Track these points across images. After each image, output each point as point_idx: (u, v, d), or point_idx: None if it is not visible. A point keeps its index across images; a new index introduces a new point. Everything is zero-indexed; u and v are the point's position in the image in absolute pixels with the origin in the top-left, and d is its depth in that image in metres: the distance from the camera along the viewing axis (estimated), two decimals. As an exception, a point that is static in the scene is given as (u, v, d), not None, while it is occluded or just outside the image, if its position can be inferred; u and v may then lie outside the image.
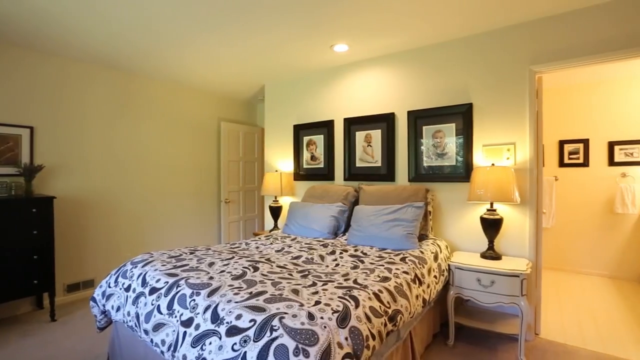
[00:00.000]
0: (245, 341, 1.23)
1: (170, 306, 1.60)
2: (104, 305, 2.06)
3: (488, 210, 2.50)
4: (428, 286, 2.14)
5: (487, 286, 2.30)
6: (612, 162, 4.00)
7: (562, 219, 4.30)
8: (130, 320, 1.79)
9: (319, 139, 3.68)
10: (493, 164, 2.52)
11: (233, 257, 2.16)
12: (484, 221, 2.50)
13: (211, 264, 2.00)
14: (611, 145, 4.00)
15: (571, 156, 4.25)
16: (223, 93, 4.63)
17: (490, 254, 2.47)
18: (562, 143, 4.30)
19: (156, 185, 3.99)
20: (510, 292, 2.22)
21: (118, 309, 1.92)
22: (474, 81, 2.76)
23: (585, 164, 4.15)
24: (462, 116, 2.78)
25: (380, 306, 1.58)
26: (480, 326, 2.41)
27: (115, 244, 3.63)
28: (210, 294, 1.54)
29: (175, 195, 4.19)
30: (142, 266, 1.99)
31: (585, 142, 4.15)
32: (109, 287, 2.06)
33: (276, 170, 4.09)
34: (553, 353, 2.32)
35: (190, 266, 1.96)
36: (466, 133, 2.75)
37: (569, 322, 2.79)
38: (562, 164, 4.30)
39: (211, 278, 1.73)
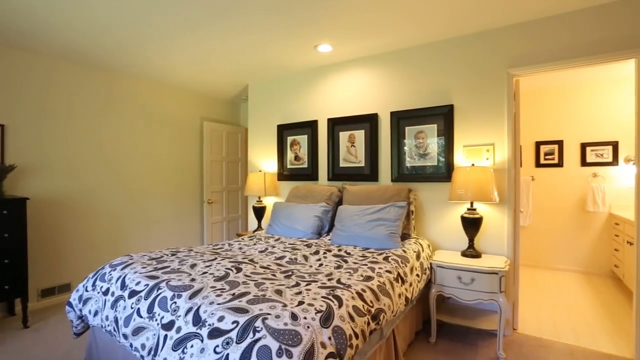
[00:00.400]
0: (227, 343, 1.22)
1: (150, 309, 1.56)
2: (80, 310, 1.99)
3: (468, 209, 2.56)
4: (410, 285, 2.17)
5: (467, 284, 2.35)
6: (584, 162, 4.17)
7: (538, 217, 4.44)
8: (108, 325, 1.74)
9: (303, 139, 3.68)
10: (473, 164, 2.58)
11: (216, 259, 2.13)
12: (464, 220, 2.56)
13: (193, 266, 1.97)
14: (583, 147, 4.17)
15: (547, 157, 4.40)
16: (206, 92, 4.57)
17: (471, 252, 2.53)
18: (538, 144, 4.45)
19: (136, 186, 3.89)
20: (490, 289, 2.28)
21: (96, 314, 1.86)
22: (454, 83, 2.82)
23: (560, 164, 4.32)
24: (443, 117, 2.84)
25: (363, 305, 1.59)
26: (461, 323, 2.47)
27: (94, 247, 3.52)
28: (192, 296, 1.51)
29: (157, 196, 4.10)
30: (122, 269, 1.94)
31: (560, 144, 4.31)
32: (86, 291, 1.99)
33: (260, 171, 4.06)
34: (529, 347, 2.40)
35: (171, 268, 1.92)
36: (447, 134, 2.81)
37: (544, 316, 2.89)
38: (538, 164, 4.45)
39: (193, 280, 1.71)
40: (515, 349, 2.38)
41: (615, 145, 4.00)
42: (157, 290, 1.63)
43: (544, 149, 4.41)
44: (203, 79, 3.97)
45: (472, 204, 2.57)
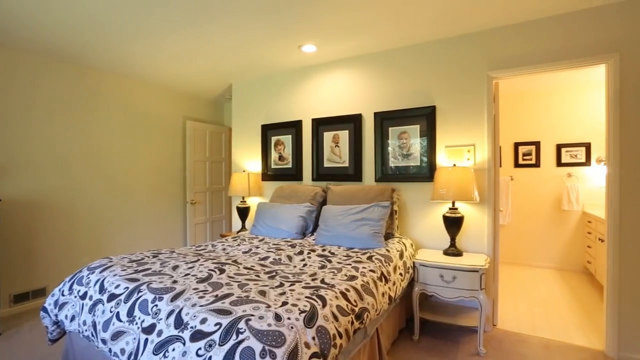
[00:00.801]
0: (210, 346, 1.20)
1: (130, 313, 1.52)
2: (56, 315, 1.92)
3: (450, 209, 2.61)
4: (394, 283, 2.20)
5: (449, 282, 2.40)
6: (559, 163, 4.32)
7: (517, 216, 4.58)
8: (86, 330, 1.69)
9: (287, 139, 3.67)
10: (455, 165, 2.64)
11: (198, 260, 2.10)
12: (446, 219, 2.61)
13: (175, 267, 1.94)
14: (559, 148, 4.32)
15: (525, 157, 4.54)
16: (189, 91, 4.49)
17: (452, 250, 2.59)
18: (517, 145, 4.58)
19: (117, 186, 3.79)
20: (471, 287, 2.34)
21: (72, 319, 1.80)
22: (437, 84, 2.88)
23: (537, 164, 4.46)
24: (426, 118, 2.88)
25: (347, 305, 1.60)
26: (443, 320, 2.52)
27: (71, 250, 3.41)
28: (173, 299, 1.49)
29: (138, 196, 4.00)
30: (100, 272, 1.89)
31: (537, 145, 4.46)
32: (63, 295, 1.93)
33: (244, 171, 4.02)
34: (509, 342, 2.47)
35: (152, 270, 1.88)
36: (430, 134, 2.86)
37: (522, 312, 2.98)
38: (517, 164, 4.59)
39: (175, 282, 1.68)
40: (495, 344, 2.45)
41: (588, 147, 4.17)
42: (138, 293, 1.59)
43: (522, 149, 4.55)
44: (186, 78, 3.91)
45: (453, 203, 2.62)
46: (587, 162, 4.16)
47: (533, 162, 4.48)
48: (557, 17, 2.43)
